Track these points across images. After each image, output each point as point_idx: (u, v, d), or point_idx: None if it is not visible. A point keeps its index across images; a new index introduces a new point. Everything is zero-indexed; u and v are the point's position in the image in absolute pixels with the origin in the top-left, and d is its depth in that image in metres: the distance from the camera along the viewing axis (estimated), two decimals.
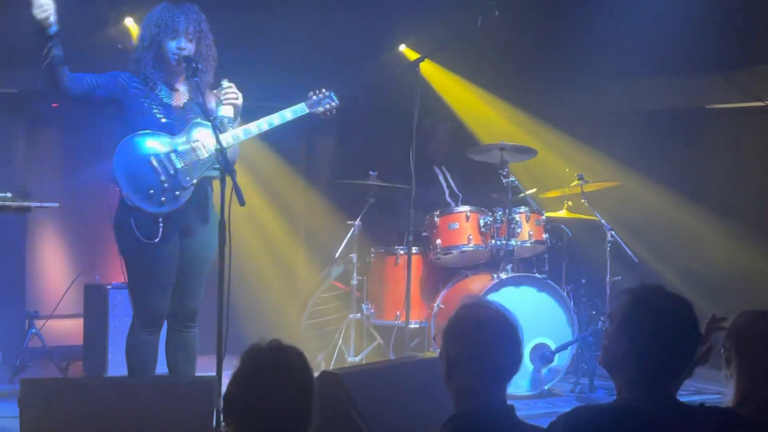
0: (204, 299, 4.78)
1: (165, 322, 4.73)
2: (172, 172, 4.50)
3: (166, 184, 4.48)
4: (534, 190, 7.05)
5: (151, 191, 4.45)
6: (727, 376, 2.97)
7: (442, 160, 7.36)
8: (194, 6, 4.65)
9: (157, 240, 4.48)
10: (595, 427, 2.55)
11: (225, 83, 4.69)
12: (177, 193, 4.51)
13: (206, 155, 4.57)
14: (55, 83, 4.40)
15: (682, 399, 2.76)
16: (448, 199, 7.22)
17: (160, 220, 4.49)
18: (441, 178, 7.30)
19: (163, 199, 4.47)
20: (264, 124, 4.70)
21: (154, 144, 4.51)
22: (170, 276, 4.61)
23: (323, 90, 4.89)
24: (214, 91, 4.74)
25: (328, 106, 4.89)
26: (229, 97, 4.66)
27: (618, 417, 2.57)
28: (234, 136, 4.61)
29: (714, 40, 6.95)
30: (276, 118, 4.73)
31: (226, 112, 4.65)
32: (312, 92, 4.88)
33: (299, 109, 4.81)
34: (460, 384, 2.67)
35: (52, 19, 4.25)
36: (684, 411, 2.66)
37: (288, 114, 4.77)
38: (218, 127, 4.48)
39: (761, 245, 7.22)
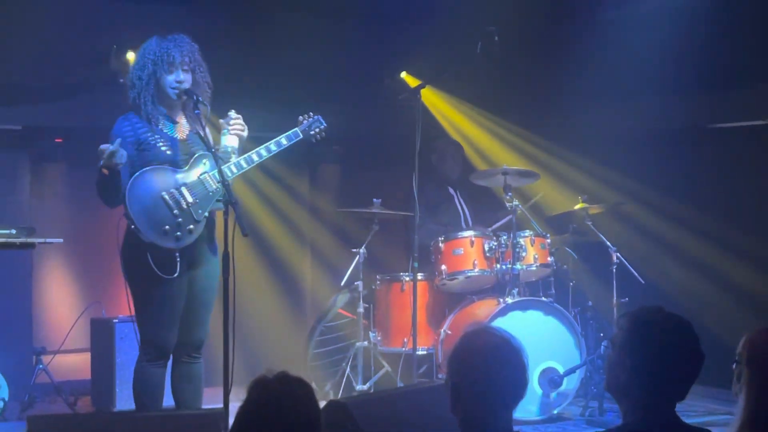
0: (210, 330, 4.78)
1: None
2: (184, 206, 4.49)
3: (179, 219, 4.46)
4: (541, 194, 7.01)
5: (167, 227, 4.43)
6: (737, 392, 2.95)
7: (457, 182, 7.25)
8: (185, 37, 4.67)
9: (176, 275, 4.49)
10: None
11: (232, 114, 4.73)
12: (191, 227, 4.50)
13: (214, 187, 4.58)
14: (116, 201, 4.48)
15: (691, 421, 2.75)
16: (463, 224, 7.10)
17: (177, 254, 4.49)
18: (456, 201, 7.21)
19: (178, 234, 4.46)
20: (263, 151, 4.75)
21: (164, 179, 4.50)
22: (181, 308, 4.60)
23: (311, 114, 4.98)
24: (221, 120, 4.77)
25: (317, 130, 4.99)
26: (236, 128, 4.69)
27: None
28: (237, 165, 4.64)
29: (717, 58, 6.96)
30: (273, 145, 4.79)
31: (231, 142, 4.67)
32: (302, 116, 4.96)
33: (293, 135, 4.88)
34: (465, 411, 2.66)
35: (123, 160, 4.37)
36: None
37: (283, 140, 4.83)
38: (220, 158, 4.52)
39: (767, 263, 7.19)
